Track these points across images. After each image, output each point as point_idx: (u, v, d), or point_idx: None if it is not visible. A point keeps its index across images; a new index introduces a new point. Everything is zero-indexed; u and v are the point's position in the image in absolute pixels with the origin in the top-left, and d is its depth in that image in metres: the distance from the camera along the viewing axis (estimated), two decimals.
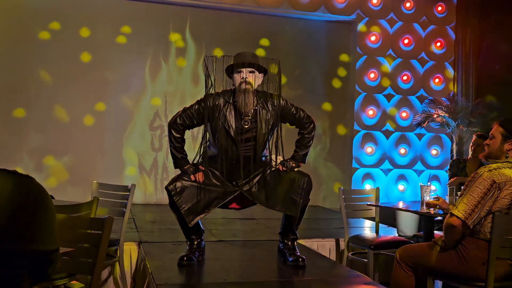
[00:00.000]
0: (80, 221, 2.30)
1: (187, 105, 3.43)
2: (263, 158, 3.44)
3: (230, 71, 3.33)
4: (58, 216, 1.45)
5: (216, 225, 5.07)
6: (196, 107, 3.34)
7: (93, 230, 2.18)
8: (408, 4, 7.55)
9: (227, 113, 3.29)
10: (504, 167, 2.79)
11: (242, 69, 3.26)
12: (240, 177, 3.36)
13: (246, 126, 3.30)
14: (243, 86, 3.25)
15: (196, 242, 3.46)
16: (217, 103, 3.29)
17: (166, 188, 3.29)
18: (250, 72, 3.27)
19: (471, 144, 5.08)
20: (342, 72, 7.68)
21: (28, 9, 6.59)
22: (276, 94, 3.37)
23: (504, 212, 2.74)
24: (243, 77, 3.25)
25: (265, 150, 3.43)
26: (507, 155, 2.86)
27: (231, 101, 3.31)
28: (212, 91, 3.34)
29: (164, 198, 3.56)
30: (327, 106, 7.62)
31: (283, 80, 6.53)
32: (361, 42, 7.45)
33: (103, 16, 6.86)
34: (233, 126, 3.29)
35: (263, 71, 3.37)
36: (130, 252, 4.03)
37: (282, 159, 3.41)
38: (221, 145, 3.31)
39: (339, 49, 7.69)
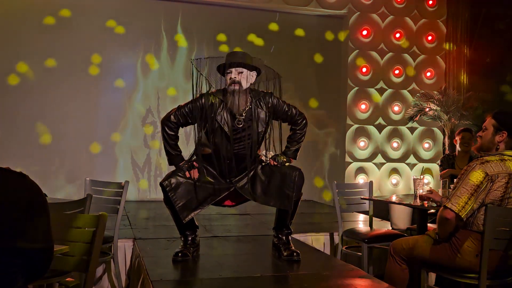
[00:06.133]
0: (74, 219, 2.29)
1: (180, 102, 3.42)
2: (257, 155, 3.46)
3: (222, 71, 3.32)
4: (51, 213, 1.44)
5: (210, 221, 5.07)
6: (190, 105, 3.32)
7: (87, 227, 2.18)
8: None
9: (222, 112, 3.29)
10: (496, 159, 2.80)
11: (231, 69, 3.26)
12: (234, 175, 3.37)
13: (240, 126, 3.31)
14: (232, 87, 3.27)
15: (190, 238, 3.47)
16: (212, 102, 3.28)
17: (161, 184, 3.29)
18: (240, 72, 3.27)
19: (457, 139, 5.10)
20: (334, 66, 7.68)
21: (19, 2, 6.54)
22: (269, 91, 3.38)
23: (497, 204, 2.76)
24: (231, 78, 3.26)
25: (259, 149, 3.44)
26: (497, 146, 2.88)
27: (225, 100, 3.31)
28: (204, 90, 3.34)
29: (158, 195, 3.56)
30: (319, 101, 7.62)
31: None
32: (352, 36, 7.46)
33: (93, 11, 6.81)
34: (228, 125, 3.28)
35: (256, 69, 3.37)
36: (124, 249, 4.02)
37: (273, 154, 3.42)
38: (216, 144, 3.31)
39: (330, 44, 7.69)
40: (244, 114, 3.31)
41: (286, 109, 3.43)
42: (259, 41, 7.22)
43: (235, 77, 3.26)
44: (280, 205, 3.35)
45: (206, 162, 3.39)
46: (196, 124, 3.38)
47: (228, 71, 3.27)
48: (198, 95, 3.32)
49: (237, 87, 3.26)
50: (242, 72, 3.28)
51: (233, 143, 3.31)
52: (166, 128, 3.35)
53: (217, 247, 3.89)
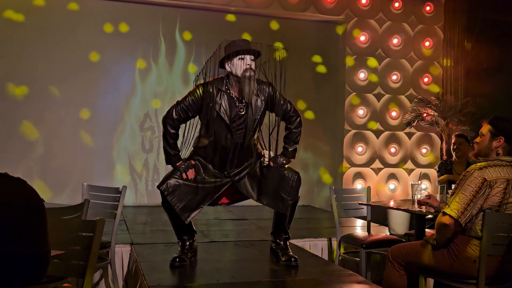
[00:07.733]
0: (71, 224, 2.28)
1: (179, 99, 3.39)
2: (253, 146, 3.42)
3: (228, 57, 3.25)
4: (49, 218, 1.43)
5: (208, 226, 5.06)
6: (189, 98, 3.28)
7: (84, 232, 2.17)
8: (396, 4, 7.58)
9: (221, 101, 3.26)
10: (494, 165, 2.81)
11: (246, 56, 3.24)
12: (232, 166, 3.35)
13: (242, 113, 3.28)
14: (249, 73, 3.21)
15: (188, 243, 3.45)
16: (210, 91, 3.26)
17: (159, 188, 3.27)
18: (252, 59, 3.25)
19: (452, 144, 5.11)
20: (332, 72, 7.69)
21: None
22: (266, 81, 3.35)
23: (495, 210, 2.76)
24: (248, 64, 3.22)
25: (254, 138, 3.41)
26: (498, 152, 2.88)
27: (223, 89, 3.28)
28: (201, 80, 3.31)
29: (155, 200, 3.55)
30: (317, 106, 7.63)
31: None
32: (350, 41, 7.47)
33: (90, 16, 6.81)
34: (228, 114, 3.26)
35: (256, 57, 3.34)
36: (121, 254, 4.01)
37: (273, 155, 3.40)
38: (216, 134, 3.28)
39: (328, 49, 7.70)
40: (243, 102, 3.29)
41: (282, 102, 3.38)
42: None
43: (251, 64, 3.23)
44: (274, 206, 3.34)
45: (204, 154, 3.36)
46: (193, 119, 3.35)
47: (242, 57, 3.23)
48: (203, 81, 3.28)
49: (253, 73, 3.23)
50: (253, 60, 3.26)
51: (234, 133, 3.28)
52: (168, 127, 3.31)
53: (214, 252, 3.87)
